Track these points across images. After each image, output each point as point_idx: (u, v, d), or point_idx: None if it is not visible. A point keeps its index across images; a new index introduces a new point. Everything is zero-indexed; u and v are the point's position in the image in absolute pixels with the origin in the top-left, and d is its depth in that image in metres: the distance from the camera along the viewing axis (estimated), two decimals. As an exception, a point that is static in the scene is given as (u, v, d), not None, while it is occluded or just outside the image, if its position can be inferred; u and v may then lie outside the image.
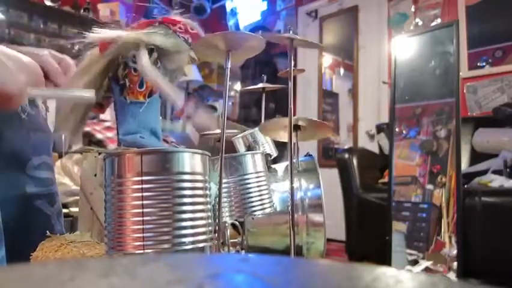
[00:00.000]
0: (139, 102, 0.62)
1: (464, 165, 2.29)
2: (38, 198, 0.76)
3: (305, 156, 0.90)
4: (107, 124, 2.12)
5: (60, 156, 2.12)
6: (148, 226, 0.42)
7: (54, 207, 0.79)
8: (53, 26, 3.60)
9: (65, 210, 0.87)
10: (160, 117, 0.73)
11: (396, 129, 2.31)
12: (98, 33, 0.62)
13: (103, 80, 0.65)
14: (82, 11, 3.77)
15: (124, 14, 3.97)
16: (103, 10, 3.93)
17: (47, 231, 0.66)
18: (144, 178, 0.42)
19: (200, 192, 0.45)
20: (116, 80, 0.63)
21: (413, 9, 3.11)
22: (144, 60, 0.59)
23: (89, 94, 0.55)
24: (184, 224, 0.43)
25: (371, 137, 3.28)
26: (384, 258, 2.11)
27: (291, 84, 0.58)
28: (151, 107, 0.63)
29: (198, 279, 0.16)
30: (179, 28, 0.64)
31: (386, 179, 2.42)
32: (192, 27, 0.65)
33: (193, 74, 3.96)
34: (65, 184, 1.95)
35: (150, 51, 0.61)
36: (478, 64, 2.75)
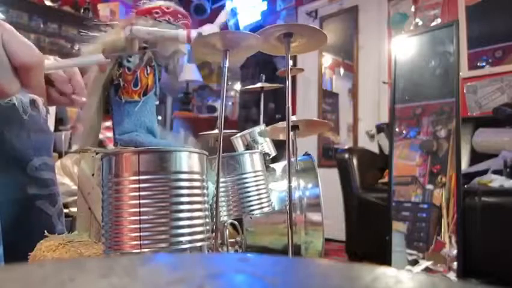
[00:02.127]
0: (134, 101, 0.62)
1: (464, 165, 2.29)
2: (39, 199, 0.76)
3: (303, 155, 0.90)
4: (107, 124, 2.11)
5: (60, 156, 2.12)
6: (145, 225, 0.42)
7: (55, 207, 0.79)
8: (53, 26, 3.60)
9: (65, 210, 0.88)
10: (159, 117, 0.73)
11: (396, 129, 2.31)
12: (88, 47, 0.62)
13: (106, 88, 0.66)
14: (82, 11, 3.77)
15: (124, 14, 3.97)
16: (103, 10, 3.93)
17: (46, 231, 0.66)
18: (141, 177, 0.42)
19: (198, 191, 0.45)
20: (111, 80, 0.63)
21: (413, 9, 3.11)
22: (142, 29, 0.59)
23: (99, 57, 0.56)
24: (181, 223, 0.43)
25: (371, 137, 3.28)
26: (384, 258, 2.11)
27: (289, 83, 0.58)
28: (146, 106, 0.62)
29: (197, 279, 0.16)
30: (156, 13, 0.63)
31: (386, 179, 2.42)
32: (167, 7, 0.65)
33: (193, 74, 3.97)
34: (65, 184, 1.95)
35: (143, 49, 0.61)
36: (478, 64, 2.75)
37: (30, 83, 0.50)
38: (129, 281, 0.16)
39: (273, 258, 0.21)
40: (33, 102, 0.76)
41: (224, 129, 0.59)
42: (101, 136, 2.12)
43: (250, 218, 0.76)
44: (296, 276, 0.18)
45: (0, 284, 0.15)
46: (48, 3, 3.58)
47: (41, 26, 3.54)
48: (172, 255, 0.30)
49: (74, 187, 1.94)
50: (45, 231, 0.65)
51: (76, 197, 1.80)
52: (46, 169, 0.79)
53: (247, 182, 0.64)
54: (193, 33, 0.59)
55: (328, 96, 3.84)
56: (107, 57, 0.56)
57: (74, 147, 2.33)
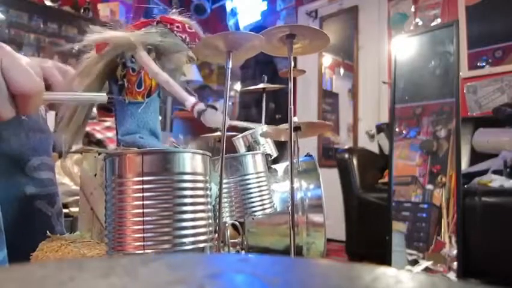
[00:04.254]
0: (138, 102, 0.62)
1: (464, 165, 2.29)
2: (37, 199, 0.76)
3: (305, 156, 0.90)
4: (107, 124, 2.12)
5: (60, 156, 2.12)
6: (148, 226, 0.42)
7: (54, 207, 0.79)
8: (53, 26, 3.60)
9: (65, 210, 0.87)
10: (160, 117, 0.73)
11: (396, 129, 2.31)
12: (94, 35, 0.62)
13: (102, 82, 0.65)
14: (82, 11, 3.78)
15: (124, 14, 3.97)
16: (103, 10, 3.93)
17: (48, 232, 0.66)
18: (145, 178, 0.42)
19: (201, 192, 0.45)
20: (115, 81, 0.63)
21: (413, 9, 3.11)
22: (145, 59, 0.59)
23: (102, 98, 0.56)
24: (184, 224, 0.43)
25: (371, 137, 3.28)
26: (384, 258, 2.11)
27: (291, 85, 0.58)
28: (150, 107, 0.62)
29: (198, 279, 0.16)
30: (177, 27, 0.63)
31: (386, 179, 2.42)
32: (189, 26, 0.65)
33: (193, 74, 3.97)
34: (65, 184, 1.95)
35: (148, 51, 0.61)
36: (478, 64, 2.75)
37: (27, 110, 0.50)
38: (129, 281, 0.16)
39: (273, 258, 0.21)
40: None
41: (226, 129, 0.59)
42: (101, 136, 2.12)
43: (253, 219, 0.76)
44: (296, 276, 0.18)
45: (0, 284, 0.15)
46: (48, 3, 3.58)
47: (41, 26, 3.54)
48: (172, 255, 0.30)
49: (74, 187, 1.94)
50: (46, 231, 0.65)
51: (76, 197, 1.79)
52: (45, 169, 0.78)
53: (249, 183, 0.64)
54: (199, 106, 0.58)
55: (328, 96, 3.84)
56: (108, 94, 0.56)
57: (74, 147, 2.32)
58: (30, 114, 0.51)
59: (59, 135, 0.67)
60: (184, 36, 0.63)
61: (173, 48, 0.63)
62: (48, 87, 0.59)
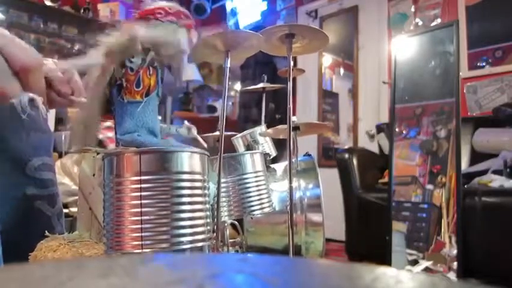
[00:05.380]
0: (136, 102, 0.62)
1: (464, 165, 2.29)
2: (38, 199, 0.76)
3: (304, 156, 0.90)
4: (107, 124, 2.11)
5: (60, 156, 2.12)
6: (146, 226, 0.42)
7: (55, 208, 0.79)
8: (53, 26, 3.60)
9: (65, 210, 0.87)
10: (161, 119, 0.73)
11: (396, 129, 2.31)
12: (97, 49, 0.63)
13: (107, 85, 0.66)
14: (82, 11, 3.77)
15: (124, 14, 3.97)
16: (103, 10, 3.93)
17: (47, 232, 0.66)
18: (143, 178, 0.42)
19: (199, 191, 0.45)
20: (114, 80, 0.63)
21: (413, 9, 3.11)
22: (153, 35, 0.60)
23: (97, 61, 0.58)
24: (182, 223, 0.43)
25: (371, 137, 3.28)
26: (384, 258, 2.11)
27: (290, 85, 0.58)
28: (148, 106, 0.62)
29: (197, 279, 0.16)
30: (159, 14, 0.63)
31: (386, 179, 2.42)
32: (169, 8, 0.65)
33: (193, 73, 3.97)
34: (65, 184, 1.95)
35: (146, 51, 0.61)
36: (478, 64, 2.74)
37: (31, 85, 0.51)
38: (129, 281, 0.16)
39: (272, 258, 0.21)
40: (32, 102, 0.75)
41: (225, 129, 0.59)
42: (101, 136, 2.12)
43: (251, 218, 0.76)
44: (296, 276, 0.18)
45: (0, 284, 0.15)
46: (48, 3, 3.58)
47: (41, 26, 3.54)
48: (172, 255, 0.30)
49: (74, 187, 1.94)
50: (45, 231, 0.65)
51: (75, 197, 1.80)
52: (45, 169, 0.78)
53: (248, 183, 0.64)
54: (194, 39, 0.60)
55: (328, 96, 3.84)
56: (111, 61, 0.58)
57: (74, 148, 2.32)
58: (34, 90, 0.52)
59: (74, 146, 0.68)
60: (170, 19, 0.64)
61: (166, 35, 0.64)
62: (49, 84, 0.59)
